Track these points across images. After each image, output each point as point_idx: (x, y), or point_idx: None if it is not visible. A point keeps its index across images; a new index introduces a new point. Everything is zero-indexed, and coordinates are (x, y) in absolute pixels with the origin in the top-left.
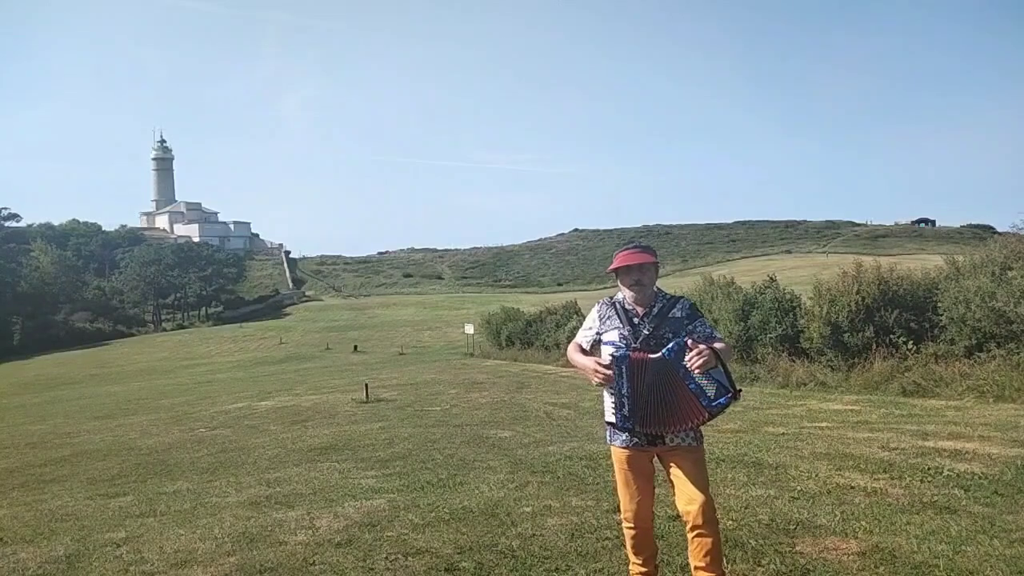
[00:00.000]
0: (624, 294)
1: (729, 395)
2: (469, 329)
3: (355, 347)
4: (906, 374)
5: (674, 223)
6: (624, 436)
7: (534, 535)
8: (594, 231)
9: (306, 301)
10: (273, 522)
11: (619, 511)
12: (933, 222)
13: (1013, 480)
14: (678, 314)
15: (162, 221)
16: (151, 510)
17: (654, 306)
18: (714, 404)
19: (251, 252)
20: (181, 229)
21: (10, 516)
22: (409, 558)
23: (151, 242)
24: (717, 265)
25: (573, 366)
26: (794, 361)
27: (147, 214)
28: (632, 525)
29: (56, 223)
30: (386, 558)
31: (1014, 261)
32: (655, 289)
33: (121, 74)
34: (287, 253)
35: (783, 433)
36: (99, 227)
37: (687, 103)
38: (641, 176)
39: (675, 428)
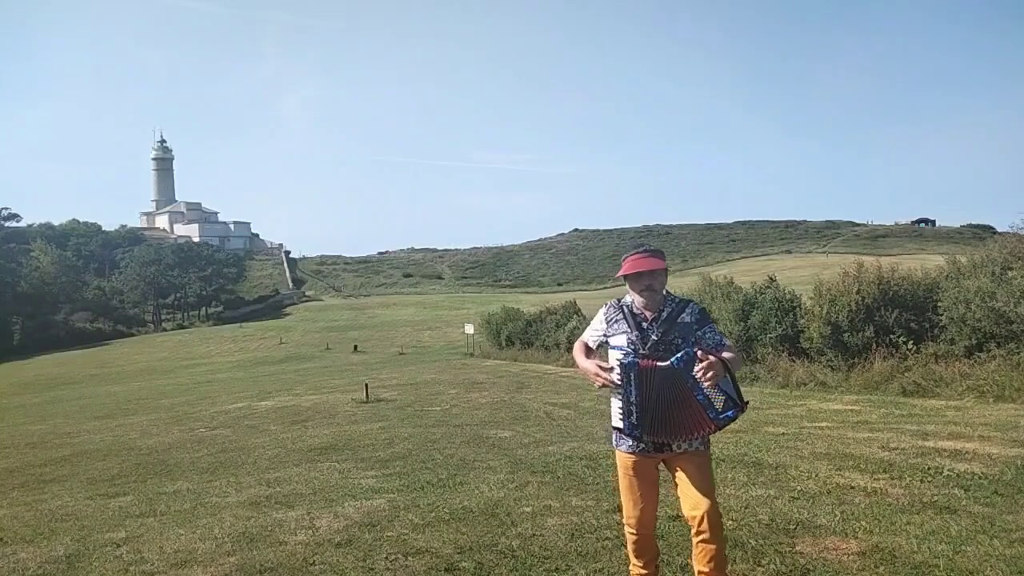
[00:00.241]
0: (633, 298)
1: (737, 408)
2: (469, 329)
3: (355, 347)
4: (906, 374)
5: (674, 223)
6: (630, 442)
7: (534, 535)
8: (594, 231)
9: (306, 301)
10: (273, 522)
11: (619, 511)
12: (933, 222)
13: (1013, 480)
14: (688, 319)
15: (162, 221)
16: (151, 510)
17: (663, 310)
18: (721, 417)
19: (251, 252)
20: (181, 229)
21: (10, 516)
22: (409, 558)
23: (151, 242)
24: (717, 265)
25: (576, 365)
26: (794, 361)
27: (147, 214)
28: (635, 531)
29: (56, 223)
30: (386, 558)
31: (1014, 261)
32: (664, 292)
33: (121, 74)
34: (287, 253)
35: (783, 433)
36: (99, 227)
37: (687, 103)
38: (641, 176)
39: (681, 438)
